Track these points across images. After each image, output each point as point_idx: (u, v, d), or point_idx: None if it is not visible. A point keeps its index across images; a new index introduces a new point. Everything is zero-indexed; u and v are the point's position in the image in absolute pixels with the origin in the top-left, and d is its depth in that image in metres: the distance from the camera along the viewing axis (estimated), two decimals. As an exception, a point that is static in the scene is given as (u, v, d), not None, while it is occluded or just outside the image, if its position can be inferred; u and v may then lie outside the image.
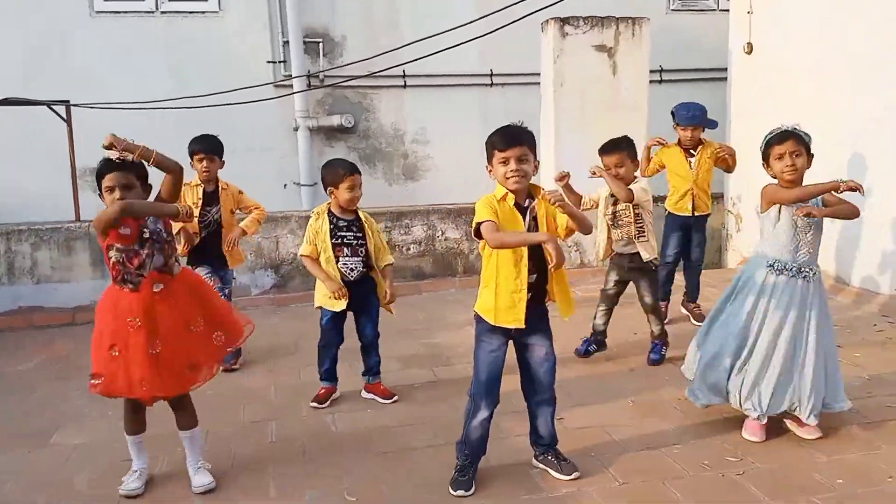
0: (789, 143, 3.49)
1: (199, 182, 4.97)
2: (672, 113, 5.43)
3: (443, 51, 6.59)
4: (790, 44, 6.78)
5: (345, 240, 4.05)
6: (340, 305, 4.05)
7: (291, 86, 9.05)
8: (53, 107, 6.23)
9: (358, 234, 4.07)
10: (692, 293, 5.57)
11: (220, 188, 5.03)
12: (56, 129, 6.47)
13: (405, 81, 9.43)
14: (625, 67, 7.27)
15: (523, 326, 3.10)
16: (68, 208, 6.96)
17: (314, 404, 4.17)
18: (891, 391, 4.10)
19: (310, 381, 4.51)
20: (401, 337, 5.32)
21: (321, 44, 9.33)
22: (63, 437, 3.90)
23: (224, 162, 5.08)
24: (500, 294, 3.09)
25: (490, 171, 3.09)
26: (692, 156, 5.38)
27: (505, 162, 2.99)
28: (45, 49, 8.49)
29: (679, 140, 5.42)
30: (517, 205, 3.06)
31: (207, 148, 4.93)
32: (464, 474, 3.17)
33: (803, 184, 3.56)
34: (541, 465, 3.30)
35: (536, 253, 3.07)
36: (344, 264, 4.04)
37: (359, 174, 4.08)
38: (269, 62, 9.20)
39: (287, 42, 9.16)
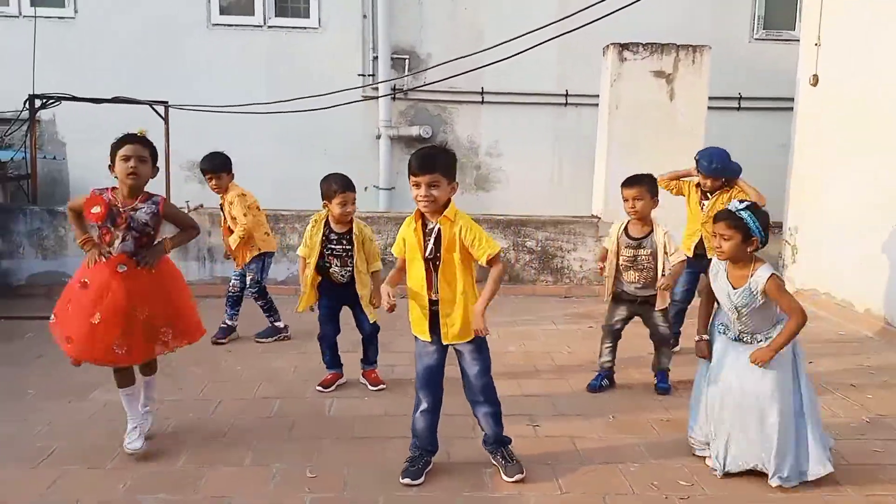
0: (719, 224, 3.27)
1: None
2: (696, 159, 5.09)
3: (514, 55, 6.45)
4: (855, 76, 6.38)
5: (334, 252, 4.22)
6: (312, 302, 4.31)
7: (377, 98, 9.36)
8: (154, 107, 6.74)
9: (347, 248, 4.22)
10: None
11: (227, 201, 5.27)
12: (159, 127, 7.00)
13: (483, 97, 9.57)
14: (682, 93, 7.06)
15: (429, 339, 3.19)
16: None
17: (319, 388, 4.36)
18: (885, 435, 3.82)
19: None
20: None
21: (408, 60, 9.59)
22: (100, 393, 4.27)
23: (233, 175, 5.26)
24: (413, 308, 3.22)
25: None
26: (707, 198, 5.05)
27: (417, 186, 3.03)
28: (159, 54, 9.19)
29: (699, 182, 5.11)
30: (424, 226, 3.12)
31: (212, 167, 5.16)
32: (413, 464, 3.26)
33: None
34: (493, 463, 3.33)
35: (440, 268, 3.11)
36: (335, 271, 4.25)
37: (352, 192, 4.15)
38: (359, 75, 9.54)
39: (377, 58, 9.48)
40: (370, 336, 4.44)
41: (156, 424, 3.73)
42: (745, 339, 3.33)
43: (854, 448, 3.64)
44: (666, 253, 4.25)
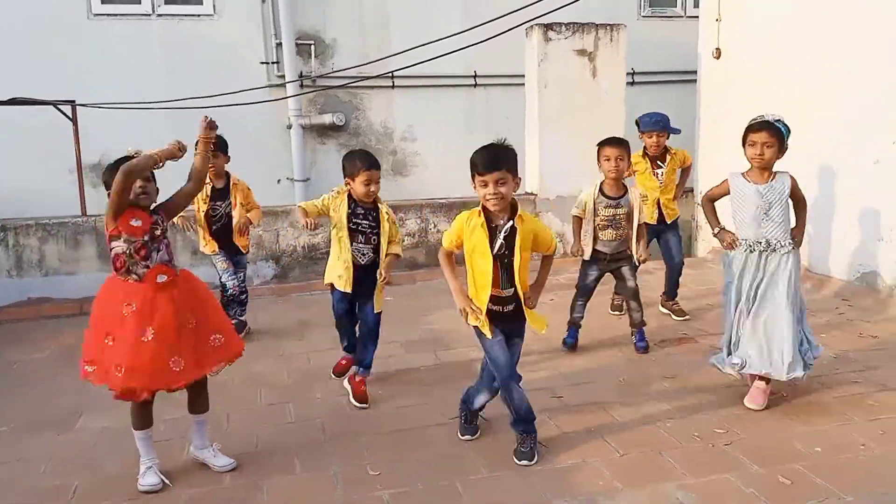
0: (763, 133, 3.64)
1: (209, 179, 4.98)
2: (637, 122, 5.37)
3: (427, 61, 6.59)
4: (758, 48, 6.94)
5: (360, 227, 4.00)
6: (347, 287, 4.00)
7: (285, 86, 9.05)
8: (60, 106, 6.15)
9: (373, 224, 4.00)
10: (671, 292, 5.53)
11: (230, 184, 5.08)
12: (59, 128, 6.41)
13: (393, 82, 9.49)
14: (604, 71, 7.40)
15: (489, 335, 3.21)
16: (72, 204, 6.92)
17: (334, 375, 4.29)
18: (855, 368, 4.27)
19: (320, 366, 4.60)
20: (401, 323, 5.40)
21: (313, 45, 9.33)
22: (88, 421, 3.92)
23: (229, 157, 5.14)
24: (480, 303, 3.21)
25: (475, 187, 3.14)
26: (659, 167, 5.33)
27: (484, 185, 3.05)
28: (47, 50, 8.37)
29: (644, 149, 5.37)
30: (490, 222, 3.14)
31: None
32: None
33: (773, 170, 3.77)
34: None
35: (508, 265, 3.15)
36: (357, 249, 4.00)
37: (377, 170, 3.94)
38: (262, 63, 9.18)
39: (280, 44, 9.15)
40: (373, 330, 4.18)
41: (172, 447, 3.49)
42: (774, 247, 3.69)
43: (836, 381, 4.06)
44: (639, 211, 4.59)
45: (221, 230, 5.17)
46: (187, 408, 3.32)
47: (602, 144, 4.63)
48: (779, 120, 3.68)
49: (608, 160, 4.54)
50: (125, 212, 3.06)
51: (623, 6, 10.17)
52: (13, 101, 6.02)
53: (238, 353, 3.31)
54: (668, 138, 5.37)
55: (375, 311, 4.10)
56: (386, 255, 4.03)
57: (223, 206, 5.15)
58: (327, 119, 9.33)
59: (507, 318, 3.24)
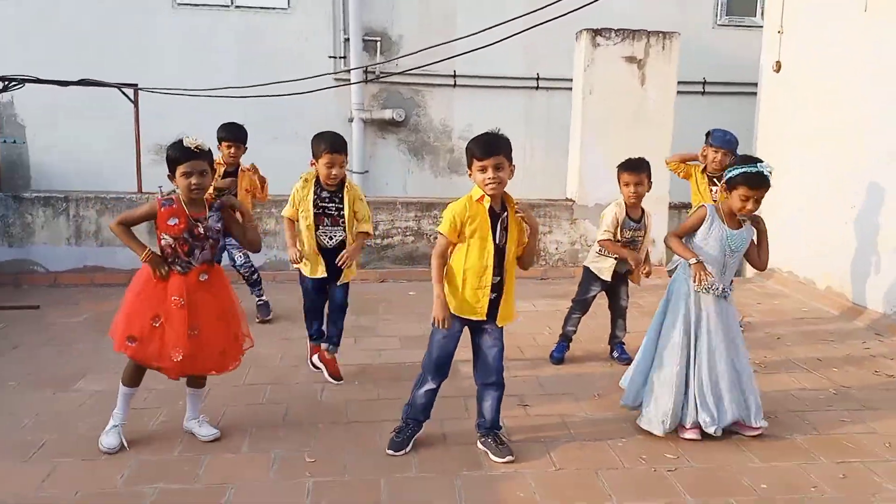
0: (763, 191, 3.37)
1: (223, 163, 5.31)
2: (707, 134, 5.19)
3: (483, 48, 6.48)
4: (819, 63, 6.57)
5: (326, 210, 4.02)
6: (318, 274, 4.09)
7: (349, 80, 9.31)
8: (123, 89, 6.61)
9: (339, 206, 4.02)
10: None
11: (238, 170, 5.34)
12: (125, 109, 6.88)
13: (455, 81, 9.59)
14: (653, 79, 7.19)
15: (483, 318, 3.26)
16: (131, 181, 7.42)
17: (314, 366, 4.35)
18: (850, 406, 4.02)
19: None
20: (407, 318, 5.49)
21: (379, 42, 9.54)
22: (87, 383, 4.24)
23: (247, 148, 5.39)
24: (465, 288, 3.24)
25: (470, 175, 3.20)
26: (715, 185, 5.10)
27: (483, 170, 3.10)
28: (124, 35, 8.97)
29: (705, 167, 5.18)
30: (491, 210, 3.18)
31: (235, 137, 5.27)
32: (399, 435, 3.39)
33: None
34: (481, 447, 3.40)
35: (502, 255, 3.22)
36: (323, 232, 4.04)
37: (339, 154, 3.92)
38: (329, 57, 9.47)
39: (348, 39, 9.41)
40: (340, 306, 4.24)
41: (147, 414, 3.73)
42: (725, 294, 3.55)
43: (823, 418, 3.83)
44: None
45: None
46: (185, 380, 3.54)
47: (621, 169, 4.48)
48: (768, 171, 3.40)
49: (627, 186, 4.44)
50: (160, 213, 3.30)
51: (697, 14, 9.83)
52: (82, 82, 6.53)
53: (225, 370, 3.55)
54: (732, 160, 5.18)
55: (340, 283, 4.17)
56: (357, 233, 4.06)
57: (227, 191, 5.36)
58: (388, 114, 9.52)
59: (489, 303, 3.27)
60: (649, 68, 7.16)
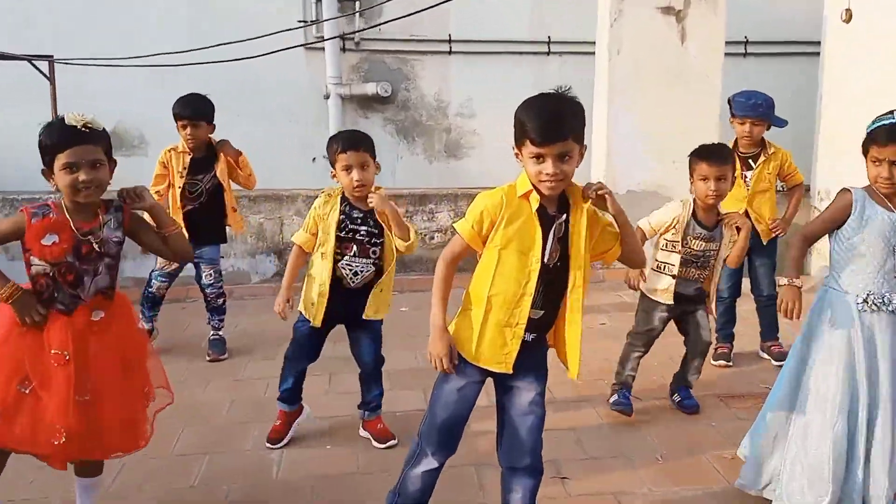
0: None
1: (186, 150, 4.42)
2: (729, 101, 4.36)
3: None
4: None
5: (356, 235, 3.20)
6: (317, 321, 3.25)
7: (323, 49, 8.33)
8: (36, 63, 5.63)
9: (373, 231, 3.20)
10: (768, 331, 4.45)
11: (216, 154, 4.47)
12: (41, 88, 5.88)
13: (451, 47, 8.63)
14: (695, 34, 6.28)
15: (510, 372, 2.33)
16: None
17: (269, 445, 3.35)
18: None
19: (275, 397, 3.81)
20: (399, 347, 4.47)
21: (358, 2, 8.55)
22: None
23: (214, 126, 4.50)
24: (488, 323, 2.31)
25: (517, 155, 2.28)
26: (750, 168, 4.27)
27: (538, 159, 2.17)
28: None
29: (735, 143, 4.31)
30: (542, 211, 2.24)
31: (191, 113, 4.35)
32: None
33: None
34: None
35: (553, 280, 2.28)
36: (348, 265, 3.20)
37: (360, 151, 3.13)
38: (299, 22, 8.47)
39: (320, 0, 8.43)
40: (375, 369, 3.43)
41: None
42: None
43: None
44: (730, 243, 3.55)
45: (200, 211, 4.49)
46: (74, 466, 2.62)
47: (697, 157, 3.51)
48: None
49: (705, 180, 3.44)
50: (28, 228, 2.37)
51: (737, -40, 8.86)
52: (-14, 56, 5.55)
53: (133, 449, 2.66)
54: (768, 129, 4.30)
55: (366, 329, 3.38)
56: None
57: (205, 180, 4.48)
58: (371, 89, 8.54)
59: (523, 349, 2.33)
60: (690, 21, 6.24)
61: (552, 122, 2.14)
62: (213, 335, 4.66)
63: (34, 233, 2.36)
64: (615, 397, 3.67)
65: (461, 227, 2.31)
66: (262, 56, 6.70)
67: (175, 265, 4.52)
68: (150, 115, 6.97)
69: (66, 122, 2.35)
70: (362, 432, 3.49)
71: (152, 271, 4.63)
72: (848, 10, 6.12)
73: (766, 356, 4.45)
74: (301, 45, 8.08)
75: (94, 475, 2.65)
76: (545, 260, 2.25)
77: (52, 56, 5.81)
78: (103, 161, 2.40)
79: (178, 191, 4.44)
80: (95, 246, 2.42)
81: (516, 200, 2.25)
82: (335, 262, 3.18)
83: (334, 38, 8.27)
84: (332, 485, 3.03)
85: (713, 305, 3.71)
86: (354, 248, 3.19)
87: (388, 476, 2.99)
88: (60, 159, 2.33)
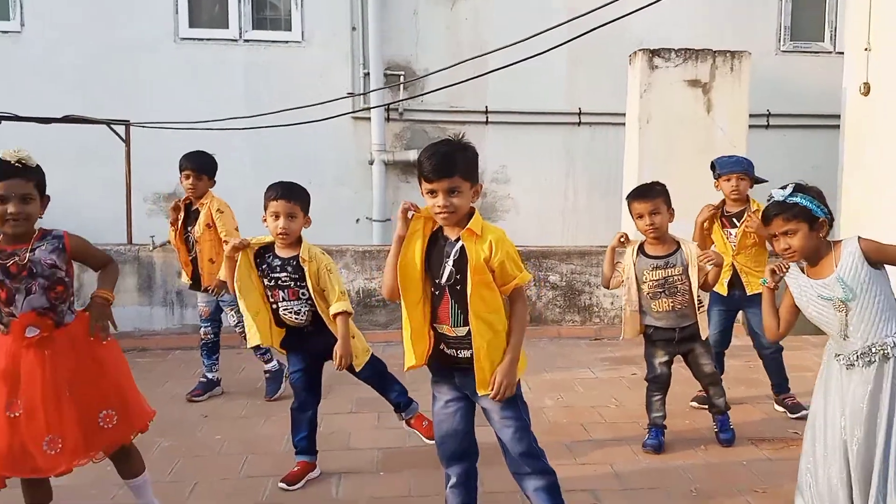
0: (775, 222, 2.70)
1: (189, 199, 4.75)
2: (712, 166, 4.53)
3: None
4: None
5: (279, 281, 3.35)
6: (267, 339, 3.39)
7: (368, 119, 8.81)
8: (113, 126, 6.11)
9: (294, 276, 3.34)
10: (778, 384, 4.48)
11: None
12: (121, 152, 6.34)
13: (487, 117, 9.05)
14: (721, 105, 6.57)
15: (423, 362, 2.62)
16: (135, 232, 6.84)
17: (283, 485, 3.40)
18: None
19: (335, 431, 4.09)
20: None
21: (402, 76, 9.05)
22: None
23: (215, 182, 4.78)
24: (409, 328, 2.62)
25: (422, 193, 2.57)
26: (734, 226, 4.38)
27: (432, 194, 2.49)
28: (122, 69, 8.51)
29: (722, 203, 4.45)
30: (441, 237, 2.56)
31: (194, 165, 4.66)
32: None
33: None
34: None
35: (459, 298, 2.53)
36: (284, 308, 3.37)
37: (287, 201, 3.29)
38: (348, 94, 8.97)
39: (367, 74, 8.94)
40: (379, 383, 3.67)
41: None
42: (865, 358, 2.62)
43: None
44: (698, 266, 3.70)
45: (196, 260, 4.73)
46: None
47: (629, 199, 3.85)
48: (796, 191, 2.72)
49: (640, 218, 3.76)
50: None
51: (759, 39, 9.24)
52: (66, 119, 6.03)
53: (141, 428, 2.78)
54: (751, 186, 4.45)
55: (358, 371, 3.56)
56: (332, 316, 3.32)
57: (193, 231, 4.72)
58: (412, 155, 8.93)
59: (466, 370, 2.56)
60: (716, 93, 6.55)
61: (442, 162, 2.48)
62: (265, 374, 4.84)
63: None
64: (647, 438, 3.88)
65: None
66: (312, 122, 7.16)
67: (208, 310, 4.77)
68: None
69: (0, 157, 2.57)
70: (407, 427, 3.75)
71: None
72: (866, 83, 6.47)
73: (780, 409, 4.45)
74: (349, 113, 8.55)
75: (135, 475, 2.83)
76: (444, 279, 2.52)
77: (128, 121, 6.28)
78: (33, 196, 2.60)
79: (181, 238, 4.75)
80: (23, 261, 2.57)
81: (417, 223, 2.55)
82: (273, 311, 3.38)
83: (379, 106, 8.72)
84: (388, 506, 3.24)
85: (705, 335, 3.85)
86: (280, 293, 3.36)
87: (437, 500, 3.22)
88: (10, 206, 2.54)
